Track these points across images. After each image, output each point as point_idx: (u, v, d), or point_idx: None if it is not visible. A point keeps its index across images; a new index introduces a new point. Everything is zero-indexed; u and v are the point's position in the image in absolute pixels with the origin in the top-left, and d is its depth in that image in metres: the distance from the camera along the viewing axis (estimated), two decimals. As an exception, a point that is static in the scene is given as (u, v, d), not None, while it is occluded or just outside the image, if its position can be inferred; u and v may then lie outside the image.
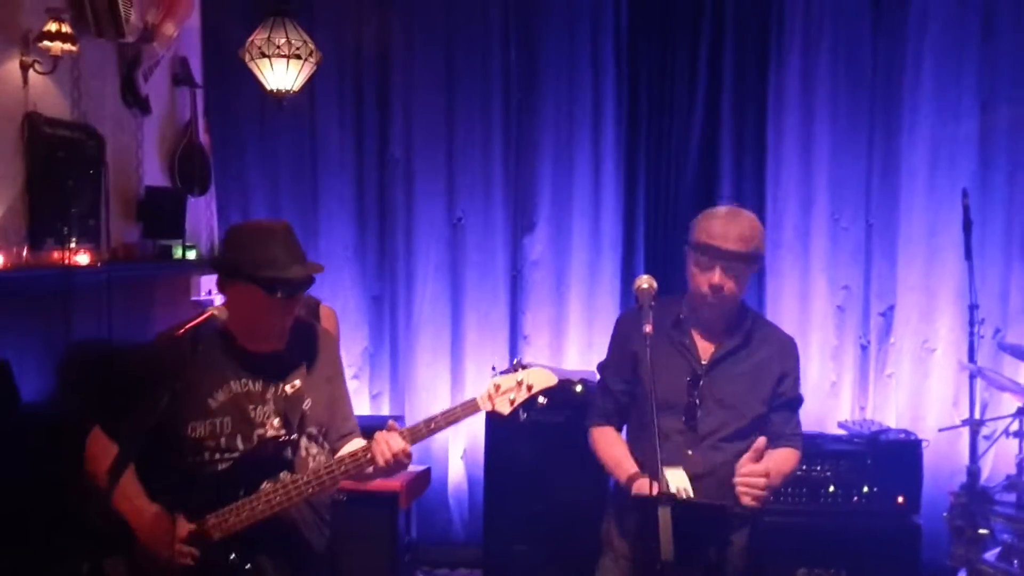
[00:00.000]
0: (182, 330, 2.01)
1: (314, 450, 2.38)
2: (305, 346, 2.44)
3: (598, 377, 2.94)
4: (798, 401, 2.70)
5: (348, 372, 4.94)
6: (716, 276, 2.52)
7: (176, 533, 2.16)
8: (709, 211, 2.64)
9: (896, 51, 4.68)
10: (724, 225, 2.54)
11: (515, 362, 2.50)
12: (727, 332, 2.64)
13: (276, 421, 2.32)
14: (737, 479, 2.38)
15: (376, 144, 4.99)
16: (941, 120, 4.65)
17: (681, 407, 2.57)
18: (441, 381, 5.00)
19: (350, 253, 5.03)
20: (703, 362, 2.62)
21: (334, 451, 2.46)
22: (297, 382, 2.37)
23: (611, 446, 2.73)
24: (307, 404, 2.38)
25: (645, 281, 2.43)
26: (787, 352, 2.68)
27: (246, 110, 4.98)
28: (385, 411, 5.03)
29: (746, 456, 2.40)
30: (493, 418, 4.17)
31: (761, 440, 2.42)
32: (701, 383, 2.59)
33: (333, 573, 3.83)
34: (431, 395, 4.95)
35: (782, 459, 2.56)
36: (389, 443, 2.29)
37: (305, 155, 5.01)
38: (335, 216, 5.02)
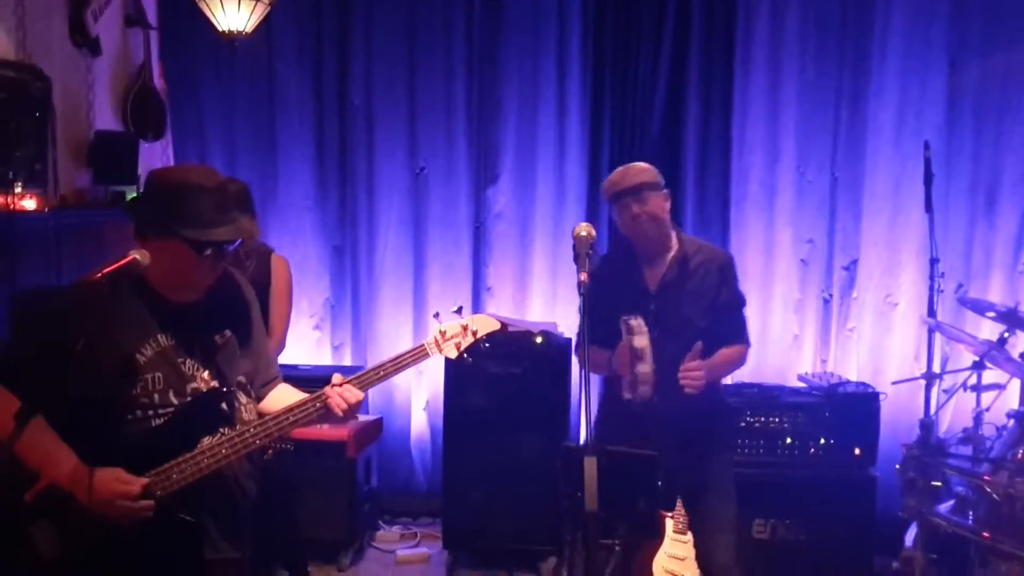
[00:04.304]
0: (100, 274, 1.93)
1: (244, 399, 2.33)
2: (227, 295, 2.36)
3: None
4: (739, 303, 3.22)
5: (310, 322, 4.93)
6: (633, 208, 2.99)
7: (116, 490, 2.09)
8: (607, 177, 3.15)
9: (865, 4, 4.61)
10: (619, 175, 3.08)
11: (457, 308, 2.52)
12: (667, 259, 3.09)
13: (206, 374, 2.25)
14: (679, 374, 2.89)
15: (336, 90, 4.88)
16: (909, 73, 4.61)
17: None
18: (403, 332, 4.96)
19: (310, 202, 4.94)
20: (652, 290, 3.08)
21: (259, 398, 2.41)
22: (227, 332, 2.31)
23: (593, 353, 3.00)
24: (237, 354, 2.32)
25: (584, 229, 2.41)
26: (723, 266, 3.16)
27: (202, 54, 4.85)
28: (347, 362, 4.99)
29: (687, 357, 2.91)
30: (453, 369, 4.25)
31: (697, 344, 2.92)
32: (652, 307, 3.02)
33: (291, 524, 3.84)
34: (393, 346, 4.89)
35: (726, 353, 3.12)
36: (344, 394, 2.30)
37: (263, 100, 4.90)
38: (295, 164, 4.92)
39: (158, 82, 4.75)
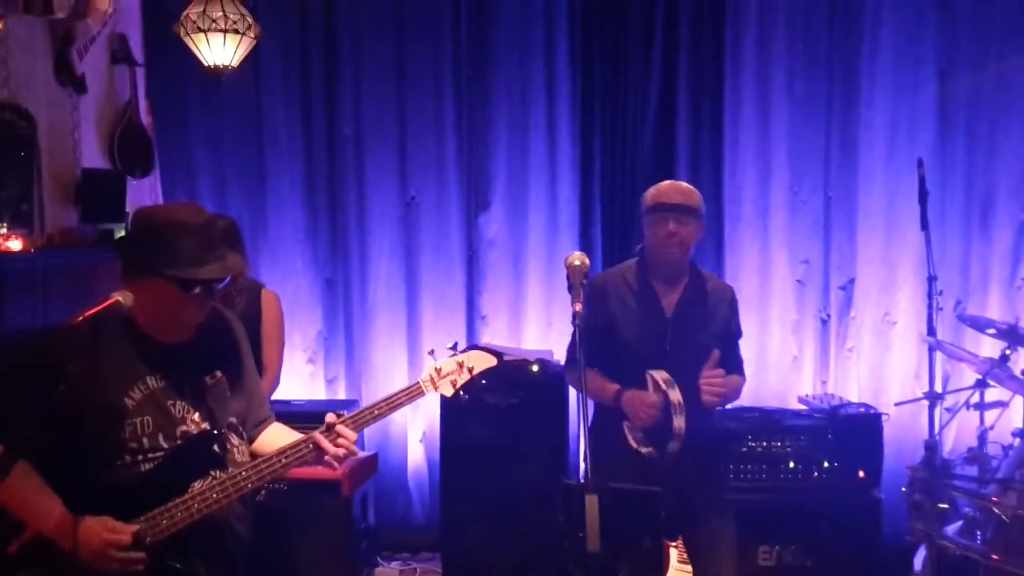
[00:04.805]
0: (81, 317, 1.89)
1: (236, 441, 2.27)
2: (217, 334, 2.32)
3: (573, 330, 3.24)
4: (739, 335, 3.21)
5: (303, 356, 4.87)
6: (671, 226, 2.92)
7: (107, 539, 2.03)
8: (654, 185, 3.09)
9: (853, 20, 4.62)
10: (668, 187, 3.04)
11: (453, 345, 2.50)
12: (684, 285, 3.05)
13: (196, 416, 2.20)
14: (701, 382, 2.82)
15: (325, 122, 4.85)
16: (899, 90, 4.60)
17: (654, 355, 2.94)
18: (397, 364, 4.90)
19: (301, 235, 4.89)
20: (668, 315, 3.02)
21: (251, 439, 2.36)
22: (218, 373, 2.26)
23: (592, 379, 3.01)
24: (228, 395, 2.27)
25: (577, 258, 2.37)
26: (731, 300, 3.17)
27: (190, 89, 4.82)
28: (341, 395, 4.92)
29: (706, 365, 2.85)
30: (448, 400, 4.17)
31: (715, 352, 2.87)
32: (669, 333, 2.98)
33: (286, 566, 3.76)
34: (387, 378, 4.84)
35: (732, 380, 3.05)
36: (338, 443, 2.25)
37: (251, 134, 4.86)
38: (284, 197, 4.88)
39: (145, 119, 4.72)
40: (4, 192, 3.68)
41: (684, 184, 3.11)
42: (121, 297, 2.00)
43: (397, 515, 4.92)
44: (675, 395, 2.73)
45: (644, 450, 2.84)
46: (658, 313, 3.02)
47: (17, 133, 3.79)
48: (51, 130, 4.07)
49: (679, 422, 2.69)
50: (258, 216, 4.85)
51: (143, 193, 4.77)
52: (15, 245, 3.71)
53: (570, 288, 2.31)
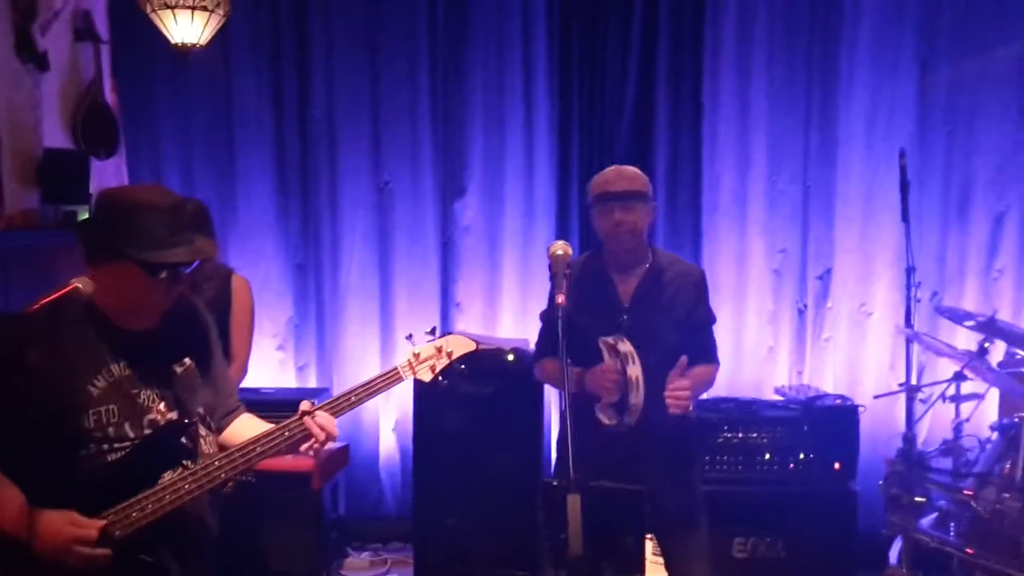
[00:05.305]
0: (38, 305, 1.80)
1: (203, 432, 2.19)
2: (185, 322, 2.24)
3: (540, 324, 3.17)
4: (710, 320, 3.08)
5: (272, 343, 4.77)
6: (616, 214, 2.84)
7: (70, 534, 1.95)
8: (598, 173, 3.01)
9: (834, 9, 4.57)
10: (612, 175, 2.94)
11: (431, 330, 2.44)
12: (640, 272, 2.96)
13: (163, 405, 2.12)
14: (666, 393, 2.69)
15: (296, 104, 4.73)
16: (879, 80, 4.57)
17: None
18: (370, 351, 4.81)
19: (271, 219, 4.78)
20: (625, 304, 2.93)
21: (219, 430, 2.28)
22: (187, 361, 2.17)
23: (556, 368, 2.91)
24: (197, 384, 2.19)
25: (560, 247, 2.31)
26: (697, 284, 3.04)
27: (157, 68, 4.67)
28: (312, 383, 4.83)
29: (672, 373, 2.73)
30: (422, 389, 4.11)
31: (683, 358, 2.75)
32: (626, 321, 2.89)
33: (256, 558, 3.69)
34: (359, 366, 4.75)
35: (700, 373, 2.95)
36: (322, 423, 2.19)
37: (220, 115, 4.73)
38: (254, 180, 4.76)
39: (110, 97, 4.58)
40: (-39, 172, 3.55)
41: (628, 168, 3.01)
42: (80, 283, 1.91)
43: (368, 505, 4.85)
44: (633, 371, 2.64)
45: (605, 421, 2.75)
46: (614, 302, 2.95)
47: (-25, 111, 3.66)
48: (11, 109, 3.93)
49: (636, 398, 2.61)
50: (227, 199, 4.73)
51: (107, 174, 4.64)
52: (-27, 227, 3.58)
53: (552, 278, 2.24)
